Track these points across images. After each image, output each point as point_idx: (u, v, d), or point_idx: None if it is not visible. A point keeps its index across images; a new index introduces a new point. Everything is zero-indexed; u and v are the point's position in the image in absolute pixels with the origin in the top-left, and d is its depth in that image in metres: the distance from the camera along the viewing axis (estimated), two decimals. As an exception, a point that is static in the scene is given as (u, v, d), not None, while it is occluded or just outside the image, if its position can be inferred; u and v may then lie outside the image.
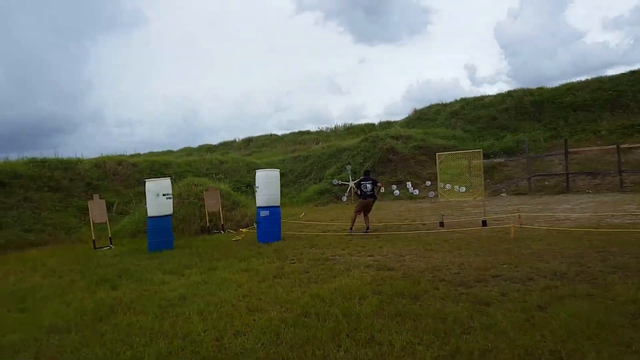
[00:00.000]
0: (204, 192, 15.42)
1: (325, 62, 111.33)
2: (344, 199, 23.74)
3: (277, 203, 12.39)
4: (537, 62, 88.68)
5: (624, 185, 18.87)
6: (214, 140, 52.43)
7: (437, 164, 13.37)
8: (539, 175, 21.50)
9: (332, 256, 9.16)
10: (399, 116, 46.70)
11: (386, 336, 4.54)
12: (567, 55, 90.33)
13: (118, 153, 28.73)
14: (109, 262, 10.54)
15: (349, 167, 25.23)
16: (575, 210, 14.19)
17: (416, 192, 22.31)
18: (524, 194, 20.58)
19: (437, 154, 13.50)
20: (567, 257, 7.61)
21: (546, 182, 20.97)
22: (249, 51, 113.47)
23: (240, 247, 11.28)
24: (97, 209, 13.81)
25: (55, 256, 12.31)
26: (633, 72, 28.84)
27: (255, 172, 28.51)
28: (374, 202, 13.13)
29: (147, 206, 12.31)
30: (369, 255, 8.97)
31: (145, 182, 12.56)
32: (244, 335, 4.87)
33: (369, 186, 12.98)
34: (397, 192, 22.84)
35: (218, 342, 4.75)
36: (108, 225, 13.97)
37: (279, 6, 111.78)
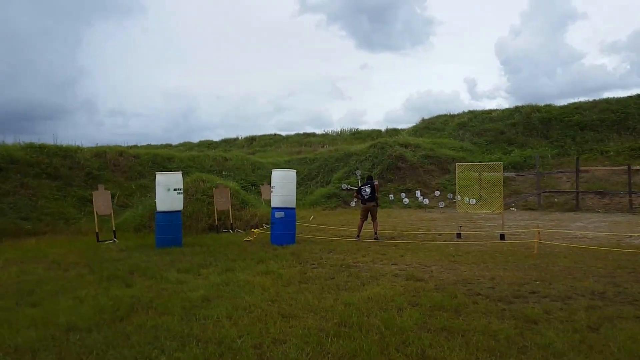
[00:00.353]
0: (214, 189, 15.10)
1: (327, 65, 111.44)
2: (353, 204, 23.45)
3: (293, 205, 12.11)
4: (536, 80, 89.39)
5: (633, 206, 18.68)
6: (213, 138, 52.05)
7: (456, 174, 13.06)
8: (549, 191, 21.31)
9: (353, 263, 8.87)
10: (399, 124, 46.68)
11: (439, 352, 4.26)
12: (566, 76, 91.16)
13: (113, 144, 28.35)
14: (116, 257, 10.22)
15: (358, 172, 24.97)
16: (589, 228, 13.96)
17: (426, 201, 22.06)
18: (534, 209, 20.35)
19: (456, 164, 13.22)
20: (600, 277, 7.35)
21: (555, 199, 20.78)
22: (250, 49, 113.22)
23: (254, 248, 10.98)
24: (101, 200, 13.47)
25: (56, 247, 11.93)
26: (639, 95, 28.85)
27: (259, 171, 28.24)
28: (375, 206, 12.86)
29: (156, 200, 11.99)
30: (392, 264, 8.69)
31: (155, 175, 12.24)
32: (284, 343, 4.58)
33: (367, 190, 12.76)
34: (406, 200, 22.59)
35: (258, 349, 4.45)
36: (112, 218, 13.62)
37: (282, 5, 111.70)
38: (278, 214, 11.79)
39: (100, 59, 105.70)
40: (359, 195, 12.99)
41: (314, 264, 8.86)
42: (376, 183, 13.18)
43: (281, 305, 5.91)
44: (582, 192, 20.39)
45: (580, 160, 24.61)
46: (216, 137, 52.09)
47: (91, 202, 19.26)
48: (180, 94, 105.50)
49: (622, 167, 20.72)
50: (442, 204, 21.47)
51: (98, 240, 12.70)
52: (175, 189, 11.84)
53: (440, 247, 10.78)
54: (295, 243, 11.76)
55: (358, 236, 12.65)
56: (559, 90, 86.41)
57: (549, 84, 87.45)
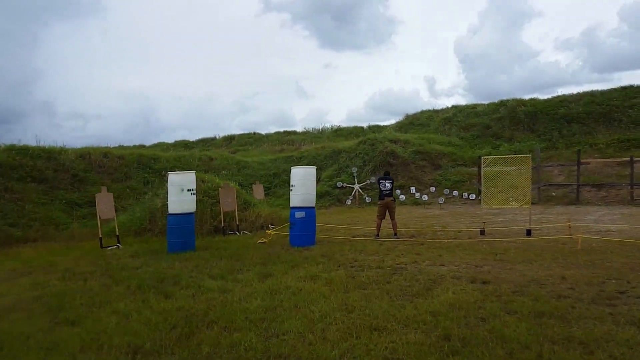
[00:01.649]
0: (220, 189, 14.36)
1: (290, 64, 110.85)
2: (349, 202, 22.99)
3: (313, 203, 11.53)
4: (493, 78, 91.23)
5: (634, 198, 18.76)
6: (171, 139, 50.75)
7: (481, 167, 12.68)
8: (549, 185, 21.28)
9: (397, 264, 8.36)
10: (358, 123, 46.25)
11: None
12: (522, 72, 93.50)
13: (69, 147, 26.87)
14: (132, 264, 9.49)
15: (355, 170, 24.51)
16: (605, 221, 13.84)
17: (425, 197, 21.73)
18: (534, 203, 20.23)
19: (481, 157, 12.82)
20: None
21: (553, 193, 20.75)
22: (213, 49, 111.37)
23: (276, 250, 10.38)
24: (104, 203, 12.60)
25: (58, 255, 11.12)
26: (624, 88, 29.25)
27: (245, 171, 27.45)
28: (393, 202, 12.43)
29: (168, 202, 11.23)
30: (441, 265, 8.23)
31: (168, 174, 11.49)
32: (402, 363, 4.04)
33: (388, 185, 12.30)
34: (402, 196, 22.24)
35: (379, 372, 3.90)
36: (116, 222, 12.79)
37: (246, 4, 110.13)
38: (298, 214, 11.20)
39: (58, 61, 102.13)
40: (379, 190, 12.52)
41: (354, 267, 8.34)
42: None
43: (360, 316, 5.37)
44: (582, 184, 20.40)
45: (570, 153, 24.80)
46: (174, 138, 50.83)
47: (80, 205, 18.41)
48: (140, 95, 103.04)
49: (621, 159, 20.86)
50: (441, 199, 21.19)
51: (102, 246, 11.86)
52: (189, 190, 11.11)
53: (472, 245, 10.39)
54: (315, 244, 11.21)
55: (377, 235, 12.17)
56: (514, 86, 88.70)
57: (505, 80, 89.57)
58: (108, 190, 13.52)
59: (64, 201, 18.05)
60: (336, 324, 5.10)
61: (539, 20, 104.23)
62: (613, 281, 6.58)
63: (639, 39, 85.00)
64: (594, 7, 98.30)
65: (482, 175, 12.77)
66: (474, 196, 21.55)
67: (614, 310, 5.23)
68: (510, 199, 12.25)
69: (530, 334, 4.58)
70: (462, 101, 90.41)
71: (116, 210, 17.51)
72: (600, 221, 13.85)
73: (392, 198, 12.37)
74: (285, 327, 5.06)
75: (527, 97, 31.90)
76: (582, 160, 21.04)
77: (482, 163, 12.61)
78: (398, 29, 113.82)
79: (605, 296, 5.81)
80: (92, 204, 17.87)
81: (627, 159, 20.25)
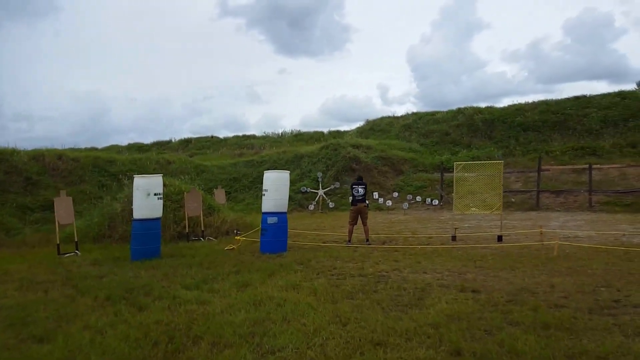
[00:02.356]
0: (185, 194, 13.78)
1: (245, 69, 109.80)
2: (311, 207, 22.68)
3: (285, 209, 11.18)
4: (442, 87, 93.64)
5: (592, 204, 19.29)
6: (122, 141, 49.18)
7: (454, 173, 12.62)
8: (510, 191, 21.63)
9: (378, 272, 8.10)
10: (311, 127, 46.29)
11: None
12: (470, 82, 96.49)
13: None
14: (95, 273, 8.87)
15: (320, 175, 24.23)
16: (568, 227, 14.09)
17: (389, 203, 21.67)
18: (487, 208, 20.51)
19: (455, 163, 12.76)
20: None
21: (512, 199, 21.08)
22: (166, 51, 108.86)
23: (247, 258, 9.98)
24: (63, 208, 11.81)
25: (11, 263, 10.39)
26: (577, 98, 30.27)
27: (204, 175, 26.76)
28: (366, 207, 12.24)
29: (134, 207, 10.63)
30: (423, 272, 8.03)
31: (133, 178, 10.88)
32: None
33: (360, 190, 12.12)
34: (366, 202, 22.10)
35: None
36: (75, 228, 12.02)
37: (201, 8, 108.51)
38: (271, 220, 10.83)
39: (7, 61, 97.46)
40: (351, 195, 12.30)
41: (334, 275, 8.04)
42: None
43: (356, 329, 5.07)
44: (541, 191, 20.84)
45: (527, 160, 25.39)
46: (126, 141, 49.42)
47: (32, 210, 17.38)
48: (91, 97, 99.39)
49: (577, 167, 21.45)
50: (406, 205, 21.20)
51: (59, 253, 11.11)
52: (155, 194, 10.55)
53: (448, 251, 10.28)
54: (286, 251, 10.86)
55: (349, 241, 11.92)
56: (463, 95, 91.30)
57: (454, 90, 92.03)
58: (66, 194, 12.71)
59: (15, 205, 17.02)
60: (334, 339, 4.78)
61: (488, 32, 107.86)
62: (603, 289, 6.53)
63: (581, 52, 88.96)
64: (539, 21, 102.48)
65: (454, 181, 12.69)
66: (437, 202, 21.69)
67: (616, 321, 5.12)
68: (484, 203, 12.24)
69: (542, 347, 4.38)
70: (413, 109, 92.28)
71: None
72: (566, 227, 14.08)
73: (365, 204, 12.17)
74: (280, 343, 4.70)
75: (477, 105, 32.67)
76: (542, 167, 21.51)
77: (454, 169, 12.54)
78: (352, 37, 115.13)
79: (602, 305, 5.72)
80: (46, 208, 16.97)
81: (585, 166, 20.85)
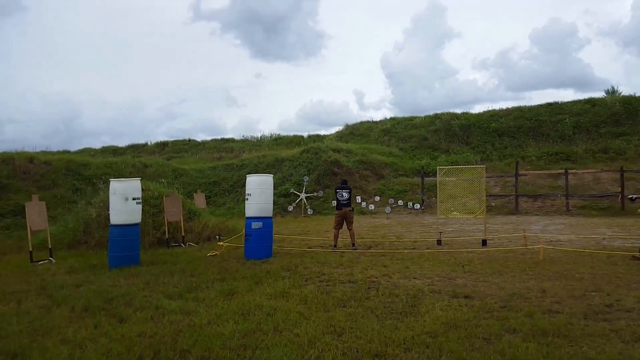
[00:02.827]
0: (165, 198, 13.42)
1: (221, 73, 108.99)
2: (290, 208, 22.45)
3: (270, 213, 10.95)
4: (416, 93, 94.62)
5: (569, 208, 19.53)
6: (96, 144, 48.23)
7: (437, 177, 12.55)
8: (490, 195, 21.76)
9: (368, 278, 7.95)
10: (290, 131, 46.09)
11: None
12: (442, 89, 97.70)
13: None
14: (70, 281, 8.50)
15: (306, 179, 24.03)
16: (549, 231, 14.19)
17: (372, 207, 21.58)
18: (474, 213, 20.63)
19: (438, 167, 12.69)
20: None
21: (492, 203, 21.21)
22: (140, 54, 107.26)
23: (231, 265, 9.71)
24: (35, 213, 11.38)
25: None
26: (550, 104, 30.98)
27: (183, 179, 26.30)
28: (352, 212, 12.08)
29: (111, 212, 10.28)
30: (413, 278, 7.91)
31: (110, 182, 10.53)
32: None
33: (345, 194, 11.95)
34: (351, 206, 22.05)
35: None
36: (49, 234, 11.59)
37: (174, 12, 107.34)
38: (255, 225, 10.58)
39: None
40: (335, 199, 12.15)
41: (322, 281, 7.86)
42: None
43: (352, 339, 4.90)
44: (519, 195, 21.02)
45: (503, 165, 25.66)
46: (100, 144, 48.41)
47: (2, 215, 16.79)
48: (62, 99, 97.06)
49: (552, 172, 21.73)
50: (388, 209, 21.15)
51: (32, 261, 10.69)
52: (134, 198, 10.22)
53: (434, 255, 10.20)
54: (271, 256, 10.63)
55: (335, 246, 11.76)
56: (436, 102, 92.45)
57: (427, 96, 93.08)
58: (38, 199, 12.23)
59: (-17, 210, 16.41)
60: (330, 350, 4.60)
61: (458, 40, 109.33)
62: (594, 294, 6.50)
63: (547, 61, 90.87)
64: (507, 30, 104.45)
65: (437, 186, 12.61)
66: (419, 206, 21.71)
67: (612, 326, 5.07)
68: (465, 208, 12.20)
69: (544, 356, 4.29)
70: (389, 114, 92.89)
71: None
72: (547, 231, 14.17)
73: (350, 208, 12.01)
74: (274, 356, 4.50)
75: (453, 111, 33.12)
76: (520, 172, 21.71)
77: (438, 173, 12.47)
78: (327, 43, 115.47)
79: (596, 310, 5.67)
80: (17, 213, 16.41)
81: (560, 171, 21.14)
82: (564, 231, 13.70)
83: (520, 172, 22.00)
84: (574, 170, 21.21)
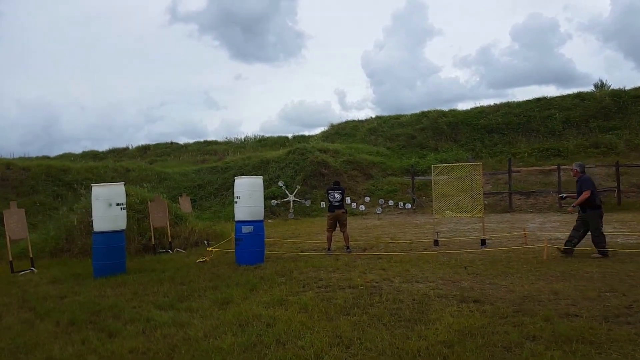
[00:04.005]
0: (150, 203, 12.93)
1: (200, 75, 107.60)
2: (291, 216, 22.00)
3: (261, 216, 10.53)
4: (398, 92, 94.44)
5: (562, 206, 19.40)
6: (76, 149, 47.25)
7: (432, 176, 12.22)
8: (484, 193, 21.58)
9: (368, 282, 7.58)
10: (273, 133, 45.49)
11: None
12: (424, 87, 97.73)
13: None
14: (54, 292, 8.07)
15: (282, 184, 23.58)
16: (546, 229, 13.97)
17: (362, 208, 21.25)
18: (468, 211, 20.40)
19: (432, 166, 12.36)
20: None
21: (486, 202, 20.97)
22: (118, 58, 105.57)
23: (223, 271, 9.29)
24: (14, 221, 10.85)
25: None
26: (539, 100, 30.65)
27: (167, 182, 25.73)
28: (344, 213, 11.72)
29: (94, 218, 9.81)
30: (416, 282, 7.56)
31: (92, 187, 10.05)
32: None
33: (337, 196, 11.58)
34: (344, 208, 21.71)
35: None
36: (29, 243, 11.06)
37: (151, 15, 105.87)
38: (246, 229, 10.16)
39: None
40: (327, 201, 11.79)
41: (321, 287, 7.49)
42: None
43: (362, 351, 4.55)
44: (515, 192, 20.85)
45: (495, 162, 25.50)
46: (80, 149, 47.52)
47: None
48: (39, 105, 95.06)
49: (544, 168, 21.62)
50: (379, 210, 20.84)
51: (13, 271, 10.17)
52: (118, 204, 9.75)
53: (434, 257, 9.87)
54: (264, 261, 10.23)
55: (329, 249, 11.40)
56: (418, 100, 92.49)
57: (409, 95, 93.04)
58: (17, 206, 11.67)
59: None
60: (340, 365, 4.24)
61: (439, 38, 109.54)
62: (608, 294, 6.22)
63: (529, 57, 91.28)
64: (488, 27, 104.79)
65: (432, 185, 12.29)
66: (410, 205, 21.43)
67: (637, 330, 4.77)
68: (459, 206, 11.91)
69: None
70: (372, 114, 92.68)
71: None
72: (544, 229, 13.95)
73: (343, 210, 11.64)
74: (278, 372, 4.12)
75: (440, 109, 32.97)
76: (513, 169, 21.54)
77: (432, 172, 12.14)
78: (307, 43, 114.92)
79: (615, 313, 5.37)
80: (-4, 221, 15.74)
81: (552, 167, 21.02)
82: (561, 229, 13.46)
83: (513, 169, 21.81)
84: (566, 166, 21.07)
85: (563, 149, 25.40)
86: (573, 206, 9.65)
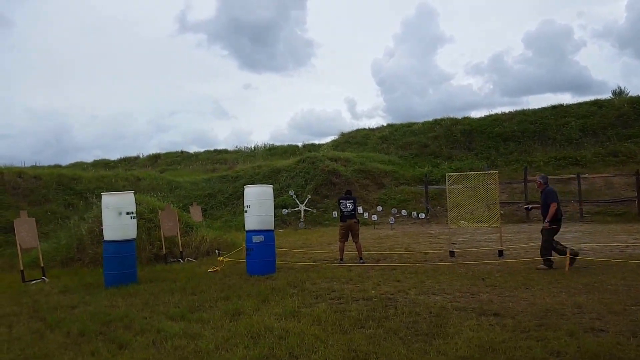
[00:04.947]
0: (160, 212, 12.85)
1: (210, 84, 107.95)
2: (301, 225, 21.84)
3: (272, 226, 10.39)
4: (409, 100, 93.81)
5: (583, 215, 19.03)
6: (88, 158, 47.65)
7: (446, 184, 11.99)
8: (500, 203, 21.25)
9: (382, 294, 7.40)
10: (282, 142, 45.44)
11: None
12: (436, 95, 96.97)
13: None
14: (65, 302, 7.95)
15: (292, 193, 23.46)
16: (566, 239, 13.58)
17: (375, 217, 21.03)
18: (484, 222, 20.10)
19: (446, 175, 12.13)
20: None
21: (502, 212, 20.66)
22: (128, 68, 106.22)
23: (234, 281, 9.15)
24: (25, 230, 10.81)
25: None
26: (554, 107, 30.32)
27: (177, 191, 25.74)
28: (357, 223, 11.53)
29: (104, 228, 9.72)
30: (432, 294, 7.35)
31: (101, 195, 9.98)
32: None
33: (349, 205, 11.38)
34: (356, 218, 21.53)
35: None
36: (40, 252, 10.99)
37: (160, 25, 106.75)
38: (256, 238, 10.02)
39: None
40: (339, 211, 11.63)
41: (334, 299, 7.31)
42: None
43: (378, 366, 4.36)
44: (532, 203, 20.43)
45: (510, 171, 25.14)
46: (92, 158, 47.81)
47: (-7, 232, 16.14)
48: (51, 114, 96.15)
49: (562, 177, 21.24)
50: (392, 219, 20.60)
51: (24, 280, 10.11)
52: (128, 213, 9.66)
53: (450, 268, 9.66)
54: (275, 272, 10.07)
55: (341, 259, 11.21)
56: (430, 108, 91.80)
57: (421, 103, 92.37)
58: (28, 215, 11.63)
59: (-27, 227, 15.80)
60: (356, 381, 4.05)
61: (451, 45, 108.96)
62: (634, 308, 5.96)
63: (543, 65, 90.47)
64: (500, 34, 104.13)
65: (447, 194, 12.06)
66: (423, 215, 21.17)
67: (671, 348, 4.54)
68: (473, 216, 11.64)
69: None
70: (382, 122, 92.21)
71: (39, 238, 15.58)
72: (564, 239, 13.54)
73: (355, 220, 11.46)
74: (293, 388, 3.94)
75: (453, 116, 32.65)
76: (529, 178, 21.19)
77: (447, 181, 11.92)
78: (317, 52, 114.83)
79: (644, 328, 5.14)
80: (7, 230, 15.75)
81: (571, 176, 20.66)
82: (583, 239, 13.15)
83: (529, 177, 21.44)
84: (585, 175, 20.71)
85: (581, 158, 24.96)
86: (547, 221, 9.57)
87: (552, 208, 9.36)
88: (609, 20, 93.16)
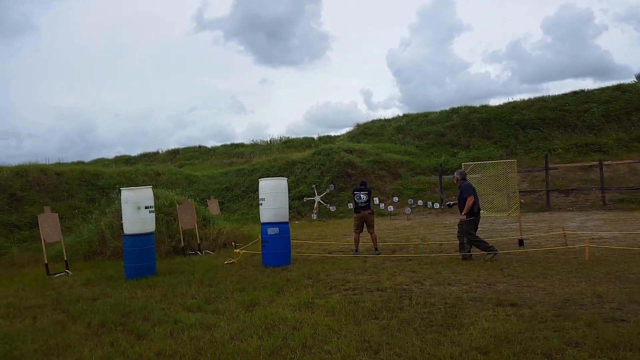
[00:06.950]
0: (178, 206, 12.97)
1: (227, 80, 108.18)
2: (314, 216, 21.89)
3: (286, 218, 10.43)
4: (426, 89, 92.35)
5: (606, 202, 18.66)
6: (110, 155, 48.23)
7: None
8: (520, 191, 21.00)
9: (396, 285, 7.37)
10: (298, 135, 45.40)
11: None
12: (453, 84, 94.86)
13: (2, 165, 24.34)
14: (87, 294, 8.09)
15: (331, 187, 23.49)
16: (588, 227, 13.44)
17: (391, 208, 20.94)
18: (503, 210, 19.89)
19: (463, 164, 12.00)
20: None
21: (522, 200, 20.42)
22: (147, 66, 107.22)
23: (249, 273, 9.21)
24: (49, 225, 11.01)
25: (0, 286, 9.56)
26: (575, 93, 29.55)
27: (195, 185, 25.94)
28: (371, 214, 11.46)
29: (123, 222, 9.85)
30: (448, 284, 7.30)
31: (120, 190, 10.12)
32: None
33: (363, 197, 11.30)
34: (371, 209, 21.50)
35: None
36: (63, 246, 11.20)
37: (179, 23, 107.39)
38: (271, 230, 10.06)
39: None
40: (353, 202, 11.60)
41: (348, 290, 7.30)
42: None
43: (391, 357, 4.36)
44: (551, 190, 20.20)
45: (530, 159, 24.75)
46: (113, 154, 48.34)
47: (19, 227, 16.53)
48: (75, 112, 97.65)
49: (583, 164, 20.85)
50: (408, 210, 20.49)
51: (48, 273, 10.33)
52: (146, 207, 9.79)
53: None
54: (290, 263, 10.11)
55: (356, 251, 11.19)
56: (447, 97, 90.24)
57: (438, 92, 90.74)
58: (51, 210, 11.85)
59: (0, 223, 16.13)
60: (371, 372, 4.04)
61: (468, 33, 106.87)
62: (654, 298, 5.85)
63: (563, 50, 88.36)
64: (517, 21, 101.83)
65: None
66: (438, 205, 21.01)
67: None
68: (493, 205, 11.49)
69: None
70: (399, 113, 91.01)
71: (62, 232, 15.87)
72: (585, 227, 13.44)
73: (369, 210, 11.39)
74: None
75: (470, 105, 32.20)
76: (550, 166, 20.87)
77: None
78: (332, 45, 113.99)
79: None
80: (32, 225, 16.09)
81: (593, 163, 20.28)
82: (605, 227, 12.92)
83: (550, 165, 21.08)
84: (608, 162, 20.23)
85: (603, 144, 24.28)
86: (464, 214, 9.73)
87: (469, 201, 9.60)
88: (631, 3, 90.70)
